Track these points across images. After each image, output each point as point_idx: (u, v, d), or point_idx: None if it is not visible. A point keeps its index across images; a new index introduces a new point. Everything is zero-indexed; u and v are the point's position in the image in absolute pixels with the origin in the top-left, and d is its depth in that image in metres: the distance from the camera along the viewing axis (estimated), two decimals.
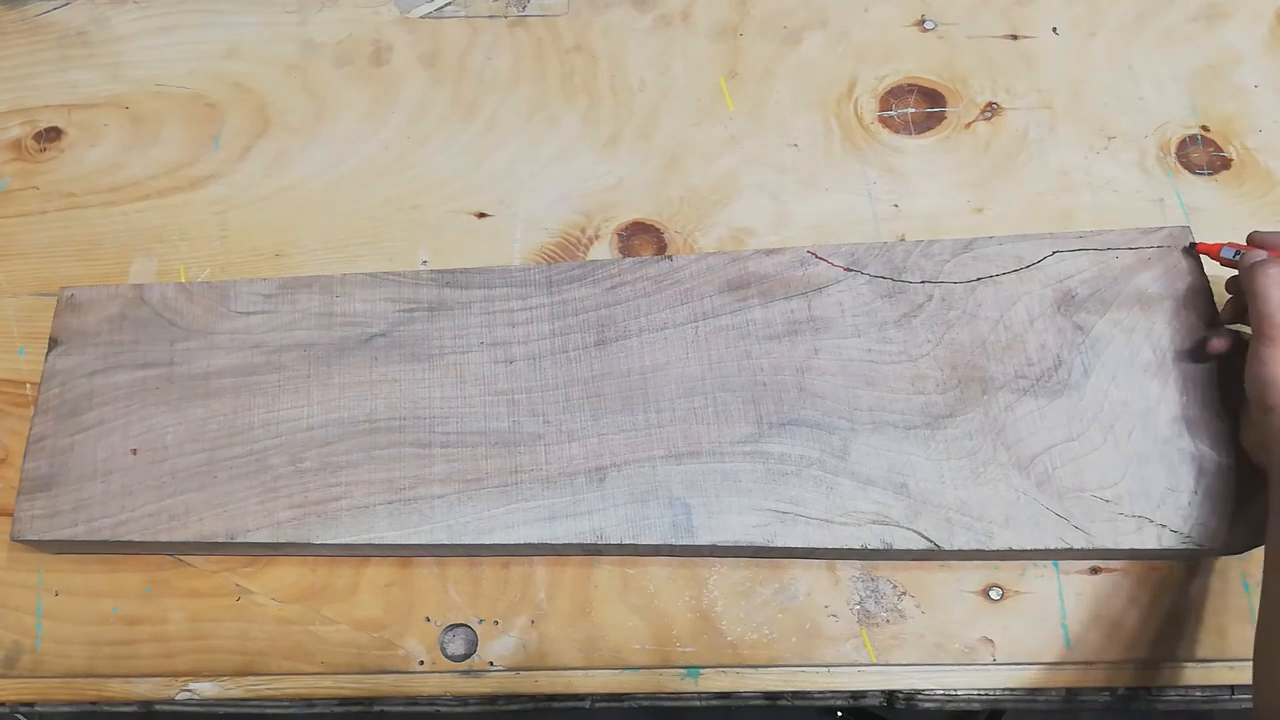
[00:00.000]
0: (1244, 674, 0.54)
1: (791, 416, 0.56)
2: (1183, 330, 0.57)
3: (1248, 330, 0.53)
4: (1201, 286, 0.58)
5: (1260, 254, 0.54)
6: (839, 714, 0.87)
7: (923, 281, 0.59)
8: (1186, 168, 0.66)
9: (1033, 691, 0.54)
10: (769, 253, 0.61)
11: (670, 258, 0.61)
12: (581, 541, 0.54)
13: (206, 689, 0.56)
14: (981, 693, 0.55)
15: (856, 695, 0.55)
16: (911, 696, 0.55)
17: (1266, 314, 0.51)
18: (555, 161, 0.69)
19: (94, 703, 0.56)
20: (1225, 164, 0.67)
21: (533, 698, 0.55)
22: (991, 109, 0.69)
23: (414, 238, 0.66)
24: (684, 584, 0.56)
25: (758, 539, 0.53)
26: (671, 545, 0.54)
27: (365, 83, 0.72)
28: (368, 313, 0.60)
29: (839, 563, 0.56)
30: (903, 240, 0.64)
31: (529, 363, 0.58)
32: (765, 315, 0.59)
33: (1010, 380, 0.56)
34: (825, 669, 0.55)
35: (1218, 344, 0.55)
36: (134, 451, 0.57)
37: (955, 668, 0.54)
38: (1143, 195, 0.66)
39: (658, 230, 0.66)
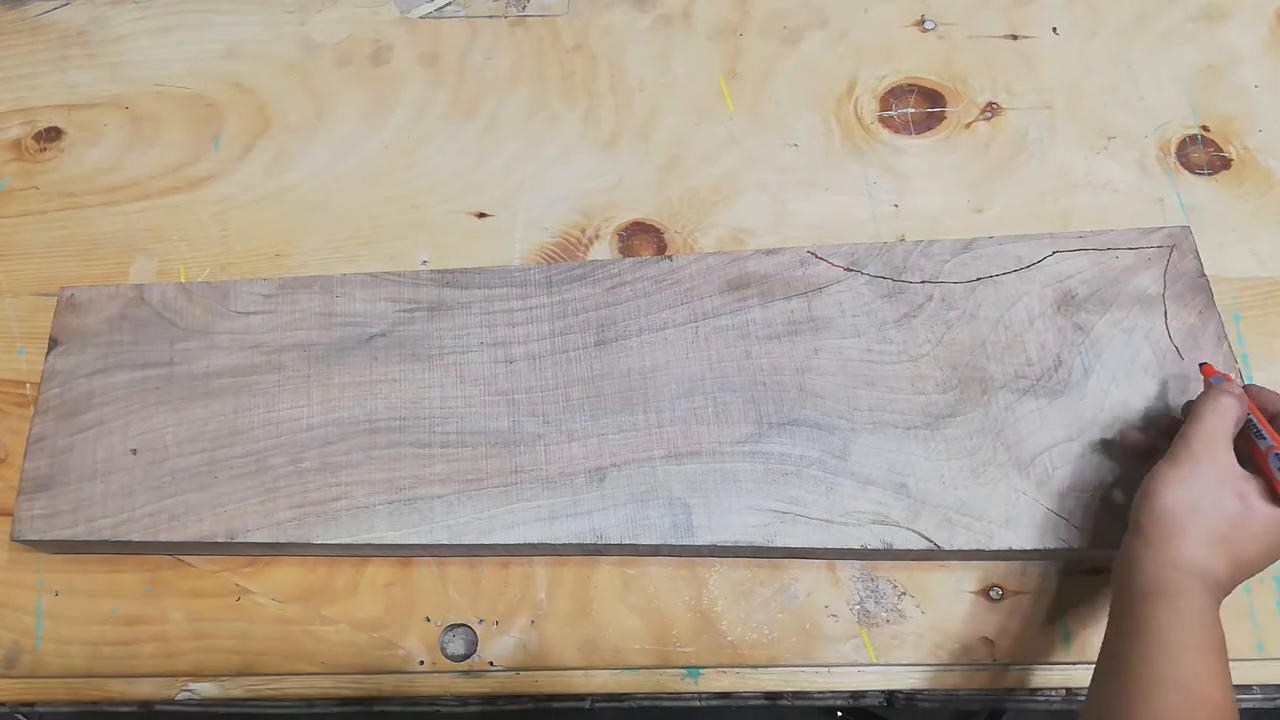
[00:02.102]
0: (1243, 673, 0.54)
1: (791, 416, 0.56)
2: (1183, 330, 0.57)
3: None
4: (1201, 286, 0.58)
5: (1235, 388, 0.51)
6: (839, 714, 0.87)
7: (923, 281, 0.59)
8: (1186, 168, 0.66)
9: (1033, 691, 0.54)
10: (769, 253, 0.61)
11: (670, 258, 0.61)
12: (581, 541, 0.54)
13: (206, 689, 0.56)
14: (981, 693, 0.54)
15: (856, 695, 0.55)
16: (911, 696, 0.55)
17: (1189, 436, 0.48)
18: (555, 161, 0.69)
19: (94, 703, 0.56)
20: (1225, 164, 0.67)
21: (533, 698, 0.55)
22: (991, 109, 0.69)
23: (414, 238, 0.66)
24: (684, 584, 0.56)
25: (758, 539, 0.53)
26: (671, 545, 0.54)
27: (365, 83, 0.72)
28: (368, 313, 0.60)
29: (839, 563, 0.56)
30: (903, 240, 0.64)
31: (529, 363, 0.58)
32: (765, 315, 0.59)
33: (1010, 380, 0.56)
34: (825, 669, 0.55)
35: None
36: (134, 451, 0.57)
37: (955, 668, 0.54)
38: (1143, 195, 0.66)
39: (658, 230, 0.66)
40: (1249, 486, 0.47)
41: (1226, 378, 0.52)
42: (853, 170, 0.67)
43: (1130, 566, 0.47)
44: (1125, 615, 0.46)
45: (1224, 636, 0.45)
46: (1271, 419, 0.50)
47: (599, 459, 0.55)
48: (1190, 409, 0.50)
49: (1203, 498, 0.47)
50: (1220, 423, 0.48)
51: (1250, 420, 0.49)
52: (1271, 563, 0.48)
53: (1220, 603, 0.46)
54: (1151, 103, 0.69)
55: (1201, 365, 0.54)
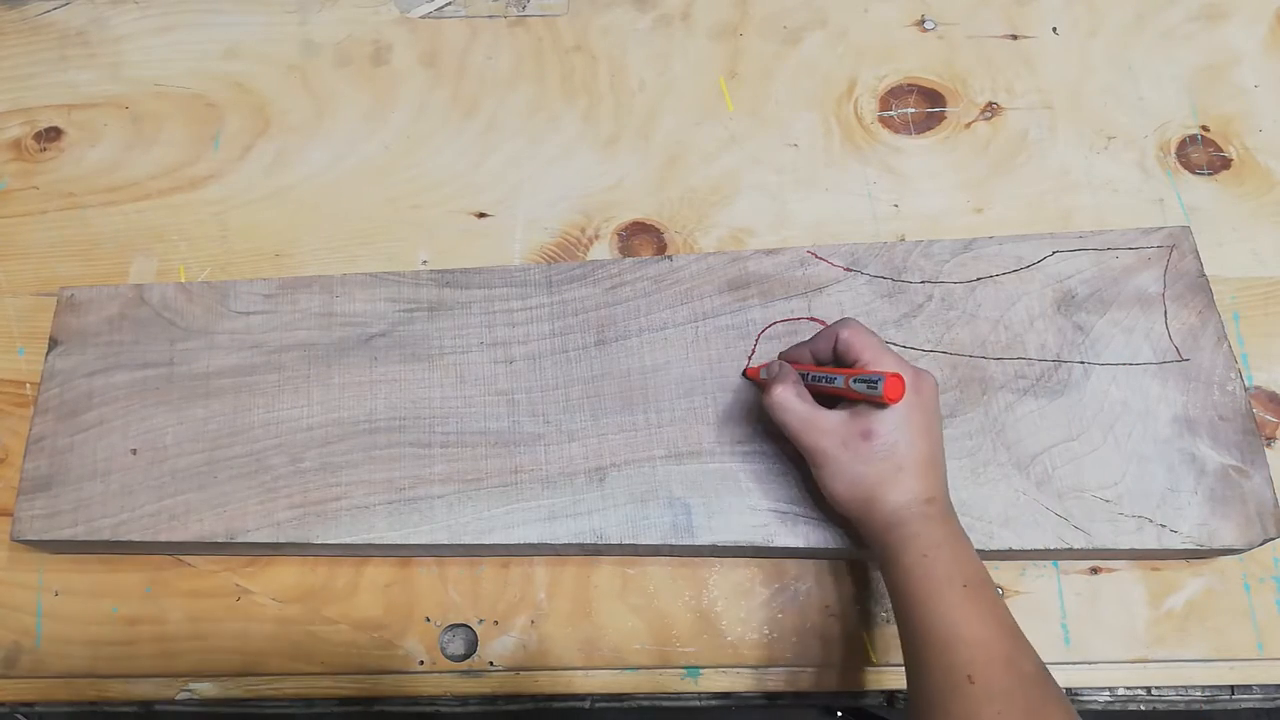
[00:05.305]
0: (1244, 674, 0.54)
1: None
2: (1183, 330, 0.57)
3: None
4: (1201, 286, 0.58)
5: (775, 367, 0.52)
6: (839, 714, 0.87)
7: (923, 281, 0.59)
8: (1186, 168, 0.66)
9: None
10: (769, 253, 0.61)
11: (670, 258, 0.61)
12: (581, 541, 0.54)
13: (206, 689, 0.56)
14: None
15: (856, 695, 0.55)
16: None
17: (795, 442, 0.50)
18: (555, 161, 0.69)
19: (94, 703, 0.56)
20: (1225, 164, 0.67)
21: (533, 698, 0.55)
22: (991, 109, 0.69)
23: (414, 238, 0.66)
24: (684, 584, 0.56)
25: (758, 539, 0.53)
26: (671, 545, 0.54)
27: (365, 83, 0.72)
28: (368, 313, 0.60)
29: (839, 563, 0.56)
30: (903, 240, 0.64)
31: (529, 363, 0.58)
32: (765, 315, 0.59)
33: (1010, 380, 0.56)
34: (825, 669, 0.55)
35: (754, 370, 0.55)
36: (134, 451, 0.57)
37: None
38: (1143, 195, 0.66)
39: (658, 230, 0.66)
40: (856, 420, 0.48)
41: (752, 372, 0.56)
42: (853, 170, 0.67)
43: (879, 562, 0.49)
44: (894, 607, 0.47)
45: (963, 557, 0.46)
46: (820, 362, 0.52)
47: (599, 459, 0.55)
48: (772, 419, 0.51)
49: (850, 468, 0.48)
50: (788, 417, 0.50)
51: (809, 375, 0.51)
52: (939, 443, 0.49)
53: (948, 507, 0.48)
54: (1151, 103, 0.69)
55: (745, 371, 0.56)
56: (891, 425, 0.47)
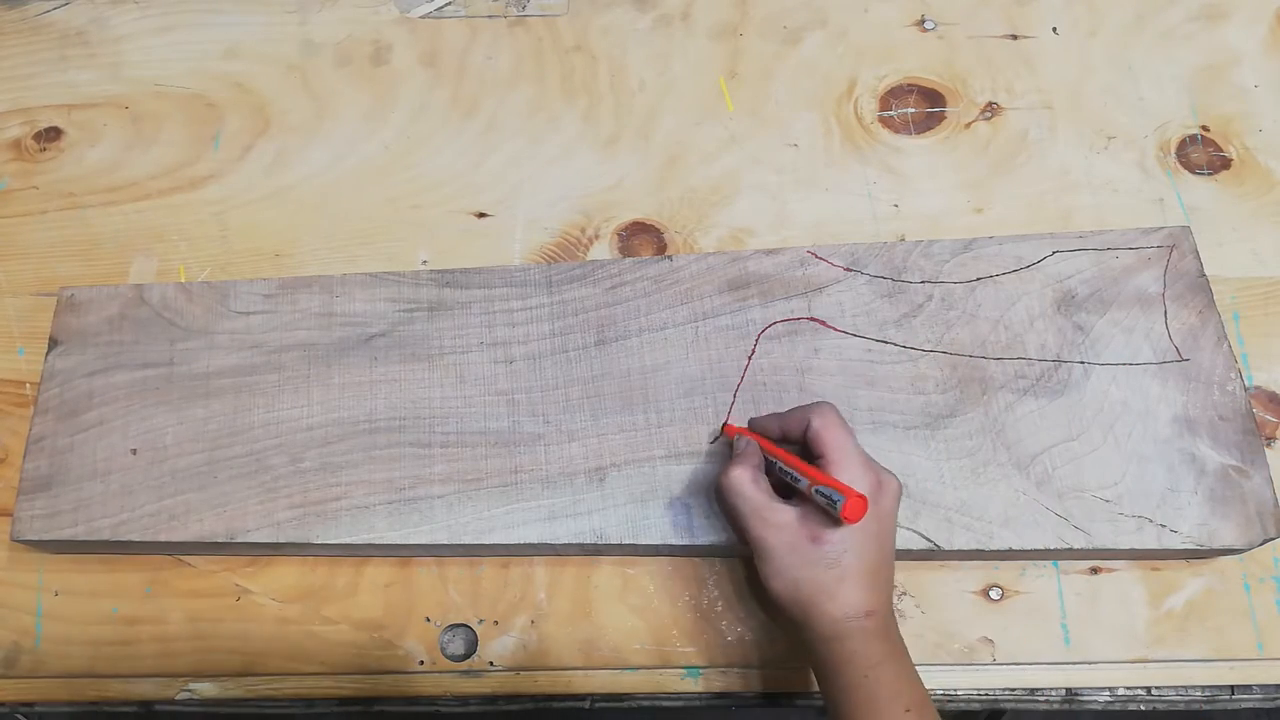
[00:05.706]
0: (1244, 674, 0.54)
1: None
2: (1183, 330, 0.57)
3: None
4: (1201, 286, 0.58)
5: (742, 443, 0.51)
6: None
7: (923, 281, 0.59)
8: (1186, 168, 0.66)
9: (1033, 691, 0.54)
10: (769, 253, 0.61)
11: (670, 258, 0.61)
12: (581, 541, 0.54)
13: (206, 689, 0.56)
14: (981, 693, 0.54)
15: None
16: None
17: (741, 528, 0.49)
18: (555, 161, 0.69)
19: (94, 703, 0.56)
20: (1225, 164, 0.67)
21: (533, 698, 0.55)
22: (991, 109, 0.69)
23: (414, 238, 0.66)
24: (684, 584, 0.56)
25: None
26: (671, 545, 0.54)
27: (365, 83, 0.72)
28: (368, 313, 0.60)
29: None
30: (903, 240, 0.64)
31: (529, 363, 0.58)
32: (765, 315, 0.59)
33: (1010, 380, 0.56)
34: None
35: (732, 428, 0.54)
36: (134, 451, 0.57)
37: (955, 668, 0.54)
38: (1143, 195, 0.66)
39: (658, 230, 0.66)
40: (807, 523, 0.47)
41: (731, 431, 0.54)
42: (853, 170, 0.67)
43: (814, 669, 0.48)
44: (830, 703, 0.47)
45: (904, 676, 0.45)
46: (785, 441, 0.51)
47: (599, 459, 0.55)
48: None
49: (793, 570, 0.47)
50: (739, 501, 0.48)
51: (777, 464, 0.49)
52: (890, 550, 0.48)
53: (889, 618, 0.47)
54: (1151, 103, 0.69)
55: (724, 426, 0.55)
56: (842, 534, 0.46)
